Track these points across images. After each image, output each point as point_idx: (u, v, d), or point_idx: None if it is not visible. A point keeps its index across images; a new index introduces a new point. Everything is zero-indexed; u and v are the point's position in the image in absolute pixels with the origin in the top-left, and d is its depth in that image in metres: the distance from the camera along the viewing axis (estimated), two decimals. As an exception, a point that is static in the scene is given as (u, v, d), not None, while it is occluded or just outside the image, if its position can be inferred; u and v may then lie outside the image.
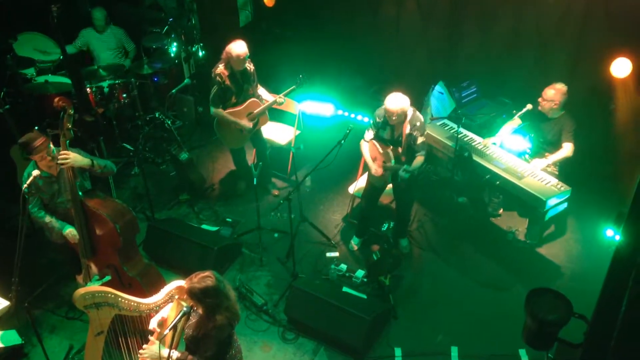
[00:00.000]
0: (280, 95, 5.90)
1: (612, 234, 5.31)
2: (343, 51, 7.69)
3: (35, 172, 4.25)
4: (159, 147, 7.09)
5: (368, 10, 7.48)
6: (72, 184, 4.25)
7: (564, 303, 3.10)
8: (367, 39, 7.60)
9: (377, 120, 5.28)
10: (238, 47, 5.58)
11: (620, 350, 2.40)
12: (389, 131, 5.26)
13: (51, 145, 4.34)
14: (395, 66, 7.47)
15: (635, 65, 5.32)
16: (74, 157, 4.26)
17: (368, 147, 5.41)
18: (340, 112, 7.26)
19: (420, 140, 5.13)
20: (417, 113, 5.20)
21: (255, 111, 5.90)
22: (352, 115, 7.30)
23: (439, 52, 7.10)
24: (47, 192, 4.49)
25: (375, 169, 5.30)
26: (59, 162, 4.23)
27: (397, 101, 5.01)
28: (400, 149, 5.21)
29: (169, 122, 6.79)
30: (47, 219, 4.51)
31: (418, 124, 5.13)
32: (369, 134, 5.38)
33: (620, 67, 5.37)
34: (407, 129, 5.13)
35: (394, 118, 5.05)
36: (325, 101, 6.36)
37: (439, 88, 6.72)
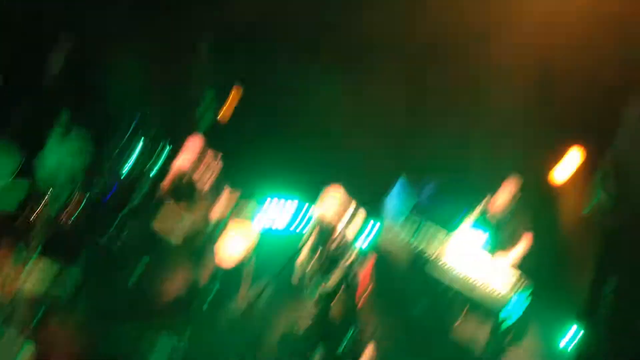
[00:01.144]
0: (219, 213, 5.79)
1: (566, 343, 5.24)
2: (305, 150, 7.69)
3: None
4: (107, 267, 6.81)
5: (327, 106, 7.61)
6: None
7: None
8: (328, 137, 7.65)
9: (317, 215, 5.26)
10: (181, 160, 5.64)
11: None
12: (331, 227, 5.19)
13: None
14: (355, 163, 7.51)
15: (583, 165, 5.51)
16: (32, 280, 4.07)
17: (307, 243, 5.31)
18: (300, 215, 7.19)
19: (347, 255, 5.09)
20: (358, 215, 5.19)
21: (196, 223, 5.76)
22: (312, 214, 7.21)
23: (398, 150, 7.23)
24: None
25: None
26: None
27: (328, 200, 5.06)
28: (327, 254, 5.15)
29: (119, 241, 6.66)
30: None
31: (354, 225, 5.13)
32: (315, 223, 5.32)
33: (569, 166, 5.59)
34: (342, 228, 5.11)
35: (327, 214, 5.05)
36: (287, 201, 6.30)
37: (399, 185, 6.80)
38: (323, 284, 5.00)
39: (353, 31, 6.73)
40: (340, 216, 5.05)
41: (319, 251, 5.19)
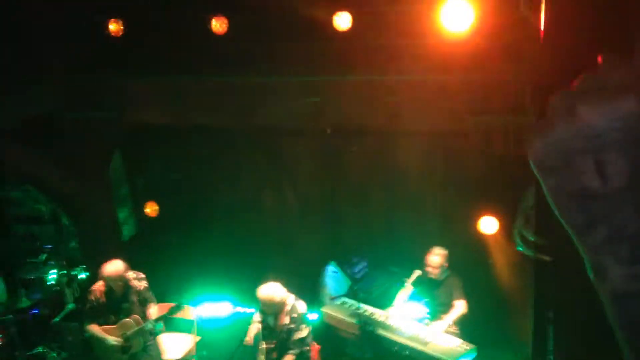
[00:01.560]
0: (151, 321, 5.63)
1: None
2: (231, 247, 7.74)
3: None
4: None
5: (248, 208, 7.73)
6: None
7: None
8: (251, 234, 7.75)
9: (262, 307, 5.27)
10: (109, 268, 5.49)
11: None
12: (272, 319, 5.24)
13: None
14: (284, 254, 7.59)
15: (500, 220, 5.84)
16: None
17: (254, 331, 5.26)
18: (238, 308, 7.09)
19: (296, 335, 5.11)
20: (299, 304, 5.25)
21: (128, 332, 5.59)
22: (251, 310, 7.14)
23: (324, 235, 7.39)
24: None
25: None
26: None
27: (265, 290, 5.09)
28: (275, 343, 5.14)
29: (54, 355, 6.28)
30: None
31: (296, 315, 5.15)
32: (257, 317, 5.33)
33: (487, 225, 5.91)
34: (285, 320, 5.15)
35: (265, 308, 5.09)
36: (221, 300, 6.24)
37: (331, 267, 6.90)
38: None
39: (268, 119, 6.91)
40: (283, 304, 5.05)
41: (266, 335, 5.13)
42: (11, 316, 6.46)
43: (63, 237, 7.63)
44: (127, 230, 7.89)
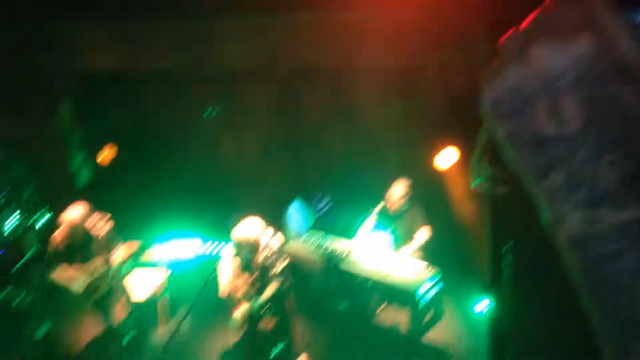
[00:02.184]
0: (117, 263, 5.61)
1: (480, 308, 5.63)
2: (194, 185, 7.68)
3: None
4: (12, 333, 6.38)
5: (207, 145, 7.64)
6: None
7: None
8: (213, 171, 7.70)
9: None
10: (67, 213, 5.43)
11: None
12: (245, 255, 5.22)
13: None
14: (248, 191, 7.61)
15: (460, 151, 5.93)
16: None
17: (227, 266, 5.27)
18: (207, 245, 7.10)
19: (274, 269, 5.14)
20: (275, 239, 5.24)
21: (93, 276, 5.57)
22: (221, 245, 7.17)
23: (286, 170, 7.40)
24: None
25: (222, 291, 5.23)
26: None
27: (241, 229, 5.03)
28: (254, 275, 5.19)
29: (21, 299, 6.23)
30: None
31: (273, 250, 5.16)
32: (230, 251, 5.33)
33: (448, 155, 5.99)
34: (261, 256, 5.15)
35: (240, 248, 5.05)
36: (190, 237, 6.24)
37: (296, 204, 6.95)
38: (254, 299, 4.97)
39: (222, 62, 6.77)
40: (258, 242, 5.06)
41: (242, 270, 5.18)
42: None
43: (20, 182, 7.45)
44: (84, 177, 7.77)
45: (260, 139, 7.38)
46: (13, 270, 6.40)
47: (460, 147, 5.87)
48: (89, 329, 6.47)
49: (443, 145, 5.96)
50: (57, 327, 6.46)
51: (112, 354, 6.06)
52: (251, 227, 5.04)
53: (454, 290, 6.21)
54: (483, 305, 5.62)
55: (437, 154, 6.00)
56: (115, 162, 7.68)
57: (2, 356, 6.14)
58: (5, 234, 6.94)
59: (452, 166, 6.02)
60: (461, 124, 5.59)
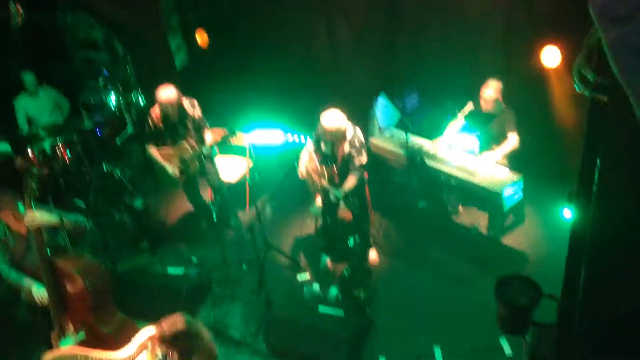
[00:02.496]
0: (206, 146, 5.83)
1: (569, 214, 5.47)
2: (285, 77, 7.76)
3: None
4: (112, 199, 6.96)
5: (302, 37, 7.61)
6: (38, 244, 4.13)
7: (532, 287, 3.16)
8: (305, 64, 7.71)
9: (318, 134, 5.34)
10: (162, 93, 5.60)
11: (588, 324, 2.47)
12: (329, 147, 5.29)
13: (21, 204, 4.22)
14: (336, 84, 7.57)
15: (564, 53, 5.55)
16: (40, 216, 4.16)
17: (307, 157, 5.43)
18: (289, 136, 7.29)
19: (357, 160, 5.16)
20: (358, 132, 5.23)
21: (185, 156, 5.86)
22: (303, 138, 7.34)
23: (377, 66, 7.25)
24: (18, 251, 4.36)
25: (303, 176, 5.37)
26: (26, 223, 4.14)
27: (331, 119, 5.05)
28: (335, 167, 5.26)
29: (118, 172, 6.69)
30: (17, 277, 4.37)
31: (357, 142, 5.16)
32: (310, 145, 5.44)
33: (550, 56, 5.61)
34: (346, 147, 5.18)
35: (328, 137, 5.10)
36: (274, 128, 6.40)
37: (382, 99, 6.87)
38: (335, 188, 5.10)
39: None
40: (341, 130, 5.10)
41: (326, 160, 5.29)
42: (76, 136, 6.83)
43: (118, 63, 7.77)
44: (180, 60, 7.97)
45: (354, 31, 7.20)
46: (113, 146, 6.84)
47: (564, 48, 5.49)
48: (180, 206, 6.95)
49: (545, 45, 5.58)
50: (152, 201, 6.99)
51: (200, 230, 6.52)
52: (338, 118, 5.07)
53: (539, 196, 6.08)
54: (568, 213, 5.49)
55: (538, 54, 5.63)
56: (209, 47, 7.79)
57: (103, 217, 6.71)
58: (106, 112, 7.36)
59: (553, 69, 5.66)
60: (567, 24, 5.21)
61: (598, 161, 2.11)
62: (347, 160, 5.17)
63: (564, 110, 6.06)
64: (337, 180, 5.26)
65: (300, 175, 5.44)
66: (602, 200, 2.10)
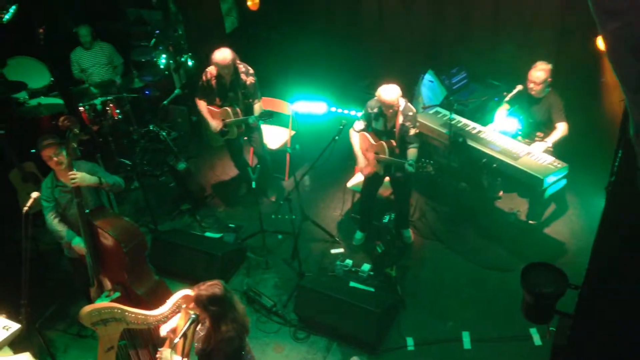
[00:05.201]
0: (253, 117, 5.82)
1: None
2: (330, 48, 7.71)
3: (35, 194, 4.32)
4: (157, 160, 7.11)
5: (350, 6, 7.50)
6: (78, 202, 4.29)
7: (559, 276, 3.12)
8: (351, 35, 7.62)
9: (369, 111, 5.32)
10: (217, 55, 5.63)
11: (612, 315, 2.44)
12: (382, 123, 5.29)
13: (64, 152, 4.37)
14: (382, 59, 7.49)
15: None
16: (81, 176, 4.32)
17: (358, 139, 5.44)
18: (333, 109, 7.27)
19: (412, 131, 5.19)
20: (409, 104, 5.26)
21: (227, 120, 5.91)
22: (345, 112, 7.31)
23: (425, 41, 7.11)
24: (61, 202, 4.55)
25: (363, 167, 5.39)
26: (66, 181, 4.30)
27: (391, 92, 5.07)
28: (393, 141, 5.25)
29: (164, 134, 6.80)
30: (60, 227, 4.57)
31: (410, 114, 5.19)
32: (359, 125, 5.43)
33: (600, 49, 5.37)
34: (400, 119, 5.18)
35: (390, 110, 5.09)
36: (317, 100, 6.39)
37: (428, 77, 6.75)
38: (405, 161, 5.08)
39: None
40: (398, 102, 5.11)
41: (379, 136, 5.33)
42: (125, 94, 6.96)
43: (170, 23, 7.81)
44: (230, 22, 7.96)
45: (403, 5, 7.05)
46: (160, 106, 6.93)
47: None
48: (222, 172, 7.06)
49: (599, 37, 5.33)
50: (195, 165, 7.11)
51: (239, 197, 6.62)
52: (396, 90, 5.06)
53: (584, 187, 5.93)
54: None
55: (594, 38, 5.39)
56: (259, 13, 7.75)
57: (148, 178, 6.86)
58: (156, 72, 7.45)
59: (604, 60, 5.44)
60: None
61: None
62: (403, 132, 5.18)
63: (616, 100, 5.83)
64: (397, 152, 5.25)
65: (354, 147, 5.46)
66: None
